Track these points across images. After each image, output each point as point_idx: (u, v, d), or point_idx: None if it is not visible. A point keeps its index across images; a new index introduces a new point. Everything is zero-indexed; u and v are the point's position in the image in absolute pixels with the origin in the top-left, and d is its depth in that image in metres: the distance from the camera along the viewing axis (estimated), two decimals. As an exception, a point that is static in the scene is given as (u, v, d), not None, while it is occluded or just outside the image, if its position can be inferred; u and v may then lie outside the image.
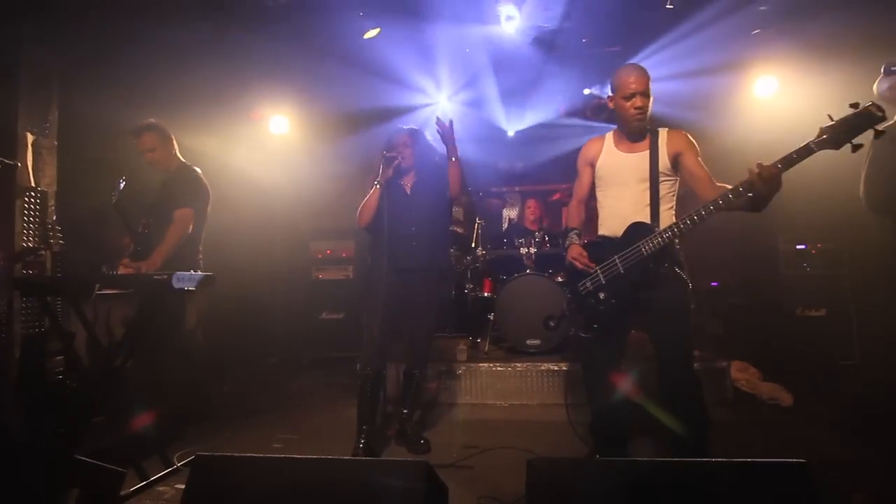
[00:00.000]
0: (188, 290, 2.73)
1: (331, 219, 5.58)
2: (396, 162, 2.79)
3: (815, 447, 2.64)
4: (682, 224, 2.07)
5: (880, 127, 1.76)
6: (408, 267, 2.82)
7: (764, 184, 1.86)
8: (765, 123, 4.48)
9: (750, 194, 1.91)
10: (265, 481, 1.50)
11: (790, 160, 1.85)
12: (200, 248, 3.22)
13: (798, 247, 4.40)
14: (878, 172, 2.21)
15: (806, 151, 1.83)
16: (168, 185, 3.15)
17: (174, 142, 3.19)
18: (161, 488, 2.34)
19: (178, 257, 2.95)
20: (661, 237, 2.11)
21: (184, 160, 3.23)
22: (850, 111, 1.79)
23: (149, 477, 2.32)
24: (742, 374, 3.67)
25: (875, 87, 2.35)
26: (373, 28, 4.17)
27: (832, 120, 1.81)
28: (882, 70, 2.06)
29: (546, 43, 4.63)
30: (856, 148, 1.79)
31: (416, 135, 3.01)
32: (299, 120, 5.31)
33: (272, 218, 5.67)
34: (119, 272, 2.84)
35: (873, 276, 3.98)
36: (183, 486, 1.55)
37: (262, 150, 5.26)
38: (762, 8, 4.16)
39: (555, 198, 5.55)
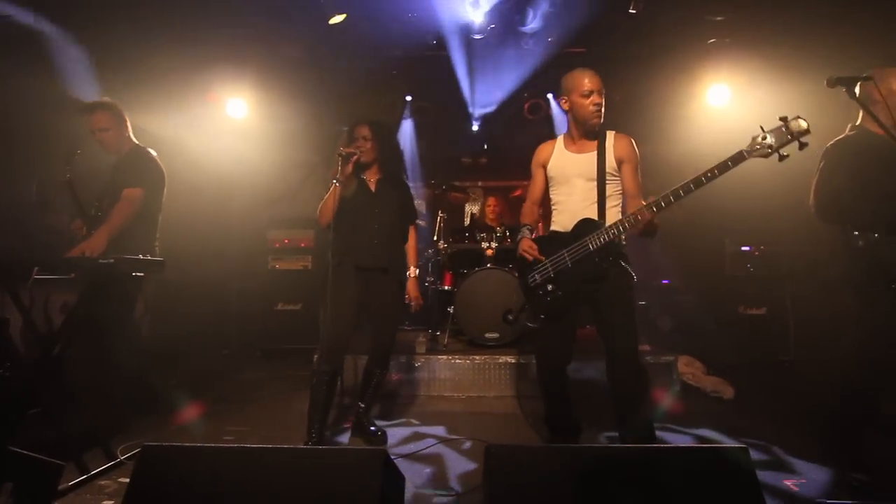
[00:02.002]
0: (136, 275, 2.62)
1: (290, 207, 5.46)
2: (355, 158, 2.68)
3: (754, 435, 2.80)
4: (627, 221, 2.20)
5: (804, 139, 1.92)
6: (368, 266, 2.74)
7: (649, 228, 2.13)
8: (717, 131, 4.68)
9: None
10: (216, 471, 1.46)
11: (725, 166, 2.02)
12: (157, 236, 3.05)
13: (742, 249, 4.63)
14: (828, 182, 2.35)
15: (739, 158, 2.00)
16: (119, 168, 2.97)
17: (128, 123, 3.02)
18: (103, 482, 2.23)
19: (132, 242, 2.80)
20: (608, 233, 2.23)
21: (138, 142, 3.06)
22: (779, 124, 1.95)
23: (90, 470, 2.21)
24: (688, 367, 3.83)
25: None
26: (338, 13, 4.10)
27: (763, 131, 1.97)
28: (825, 83, 2.17)
29: (512, 39, 4.67)
30: (782, 158, 1.95)
31: (377, 127, 2.87)
32: (258, 104, 5.14)
33: (228, 205, 5.50)
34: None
35: (809, 278, 4.25)
36: (126, 480, 1.48)
37: (219, 133, 5.07)
38: (718, 18, 4.34)
39: (516, 194, 5.62)
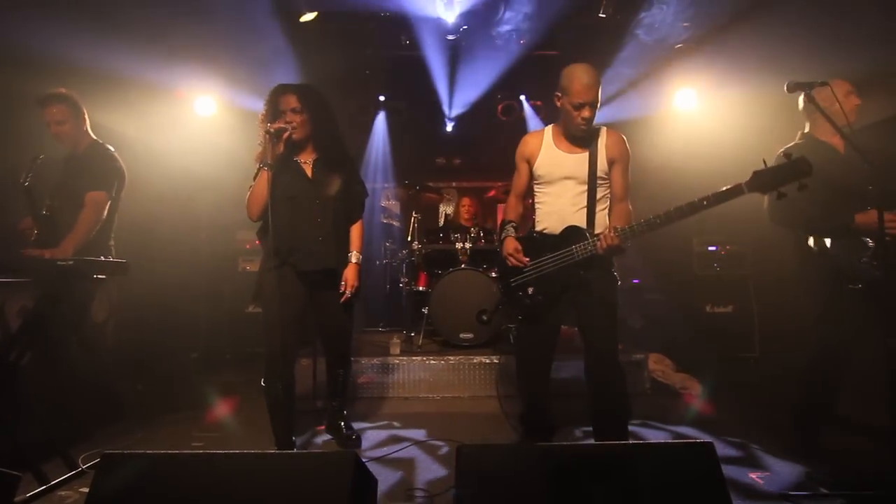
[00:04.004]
0: (98, 278, 2.53)
1: (260, 208, 5.32)
2: (287, 134, 2.27)
3: (720, 430, 2.87)
4: (592, 243, 2.17)
5: (805, 181, 1.88)
6: (313, 269, 2.40)
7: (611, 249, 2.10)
8: (684, 135, 4.79)
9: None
10: (180, 479, 1.41)
11: (721, 196, 1.97)
12: (112, 235, 2.97)
13: (709, 248, 4.75)
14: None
15: (737, 191, 1.96)
16: (76, 164, 2.87)
17: (86, 116, 2.92)
18: (63, 493, 2.15)
19: (88, 244, 2.73)
20: (594, 244, 2.17)
21: (96, 137, 2.96)
22: (783, 160, 1.90)
23: (49, 481, 2.12)
24: (658, 365, 3.92)
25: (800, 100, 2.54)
26: (310, 11, 4.05)
27: (765, 165, 1.92)
28: (785, 88, 2.24)
29: (485, 40, 4.70)
30: (781, 196, 1.89)
31: (306, 95, 2.37)
32: (227, 101, 5.01)
33: (195, 205, 5.34)
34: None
35: (772, 277, 4.39)
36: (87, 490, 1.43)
37: (187, 132, 4.93)
38: (685, 24, 4.44)
39: (490, 195, 5.66)
